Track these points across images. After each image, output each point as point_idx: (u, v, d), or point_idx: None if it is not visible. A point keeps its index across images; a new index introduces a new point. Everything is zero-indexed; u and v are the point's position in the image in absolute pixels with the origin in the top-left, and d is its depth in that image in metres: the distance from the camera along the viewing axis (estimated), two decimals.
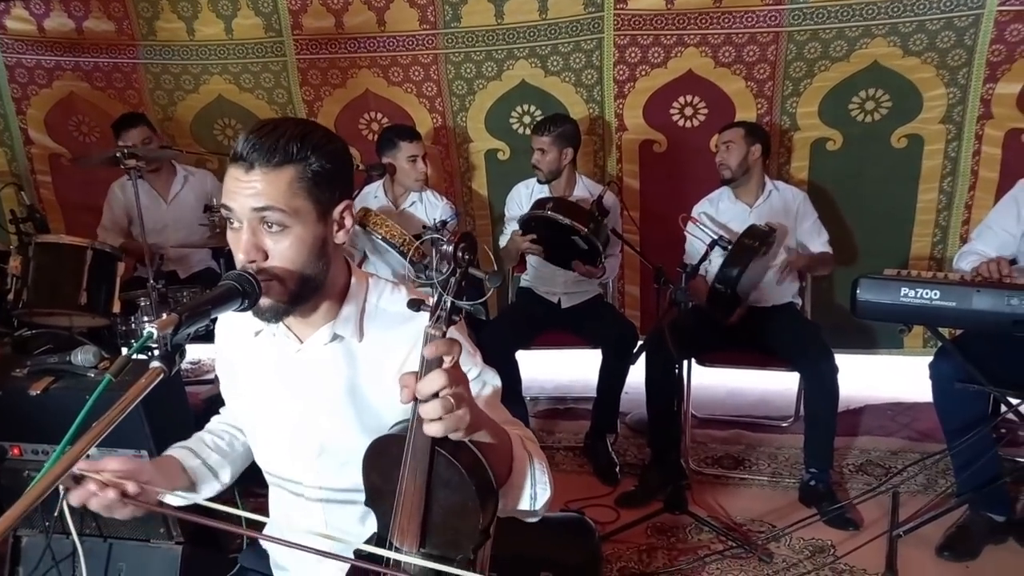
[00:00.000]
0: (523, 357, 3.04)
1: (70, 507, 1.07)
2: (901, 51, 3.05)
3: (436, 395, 0.85)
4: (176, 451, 1.29)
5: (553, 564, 2.10)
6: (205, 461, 1.29)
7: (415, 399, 0.88)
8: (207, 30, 3.50)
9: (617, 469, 2.84)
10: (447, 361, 0.87)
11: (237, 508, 1.99)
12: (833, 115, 3.21)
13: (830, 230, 3.02)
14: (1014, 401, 2.15)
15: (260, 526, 1.28)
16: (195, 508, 1.19)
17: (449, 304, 0.89)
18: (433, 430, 0.87)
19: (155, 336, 0.89)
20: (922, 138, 3.17)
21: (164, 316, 0.90)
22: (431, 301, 0.91)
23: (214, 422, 1.41)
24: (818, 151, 3.28)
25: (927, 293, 2.04)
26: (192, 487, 1.26)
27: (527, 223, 2.83)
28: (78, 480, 1.03)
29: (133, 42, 3.57)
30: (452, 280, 0.89)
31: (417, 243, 2.76)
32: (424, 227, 2.94)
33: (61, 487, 1.00)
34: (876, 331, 3.38)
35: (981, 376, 2.18)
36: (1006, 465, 2.48)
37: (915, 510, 2.45)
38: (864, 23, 3.05)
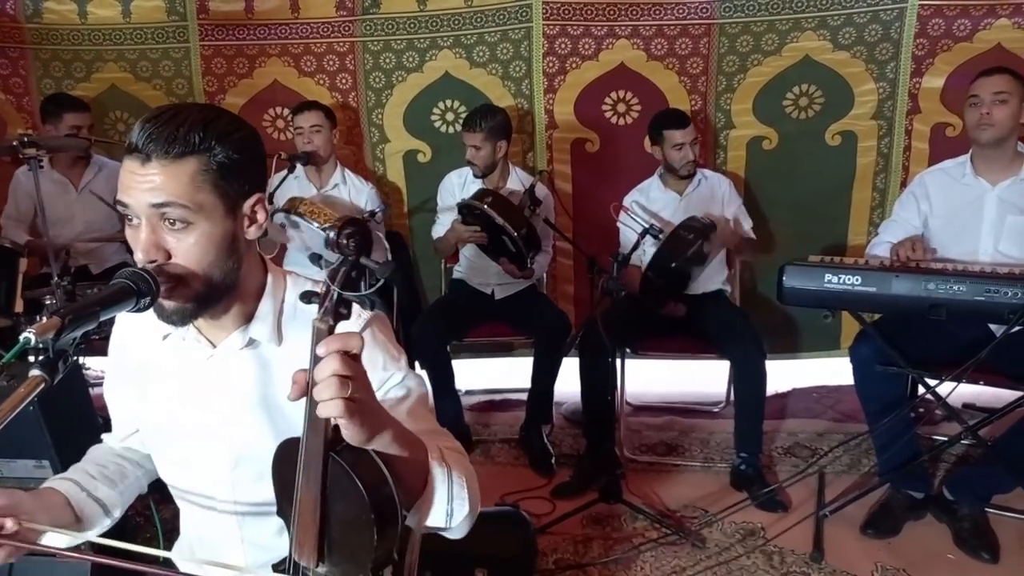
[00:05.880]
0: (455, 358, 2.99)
1: None
2: (831, 44, 3.07)
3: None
4: (57, 483, 1.13)
5: (488, 559, 2.07)
6: (91, 493, 1.15)
7: (308, 395, 0.80)
8: (101, 12, 3.26)
9: (553, 460, 2.83)
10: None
11: (153, 515, 1.91)
12: (768, 112, 3.18)
13: (765, 228, 3.00)
14: (931, 382, 2.23)
15: (170, 547, 1.20)
16: (96, 547, 1.06)
17: (336, 296, 0.83)
18: (327, 411, 0.79)
19: (32, 342, 0.80)
20: (855, 135, 3.16)
21: (44, 319, 0.82)
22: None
23: (95, 452, 1.27)
24: (754, 151, 3.23)
25: (849, 279, 2.10)
26: (78, 523, 1.11)
27: (464, 210, 2.78)
28: None
29: (16, 24, 3.28)
30: (341, 270, 0.83)
31: None
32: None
33: None
34: (804, 333, 3.36)
35: (900, 359, 2.25)
36: (924, 443, 2.59)
37: (840, 490, 2.53)
38: (794, 16, 3.05)
